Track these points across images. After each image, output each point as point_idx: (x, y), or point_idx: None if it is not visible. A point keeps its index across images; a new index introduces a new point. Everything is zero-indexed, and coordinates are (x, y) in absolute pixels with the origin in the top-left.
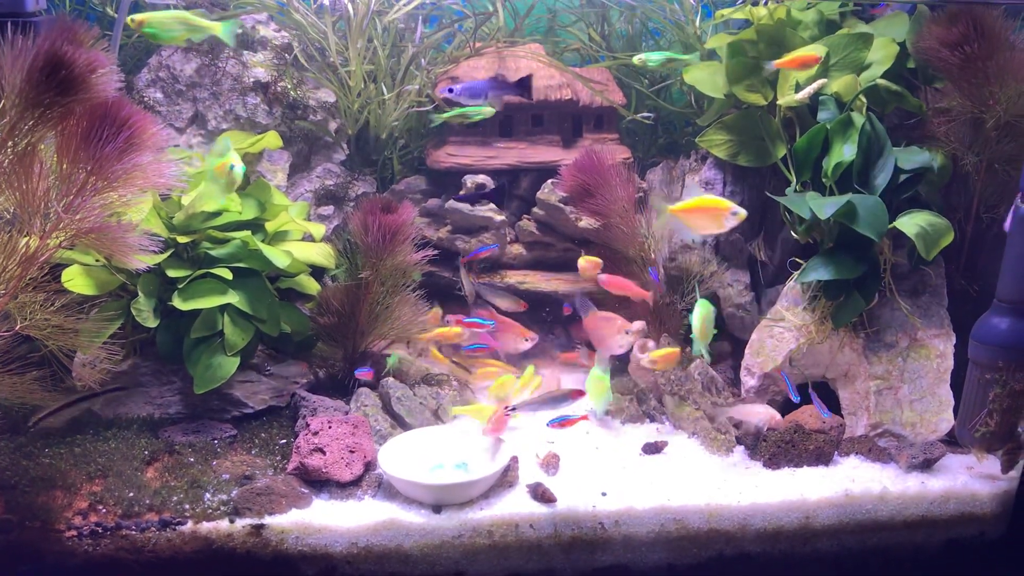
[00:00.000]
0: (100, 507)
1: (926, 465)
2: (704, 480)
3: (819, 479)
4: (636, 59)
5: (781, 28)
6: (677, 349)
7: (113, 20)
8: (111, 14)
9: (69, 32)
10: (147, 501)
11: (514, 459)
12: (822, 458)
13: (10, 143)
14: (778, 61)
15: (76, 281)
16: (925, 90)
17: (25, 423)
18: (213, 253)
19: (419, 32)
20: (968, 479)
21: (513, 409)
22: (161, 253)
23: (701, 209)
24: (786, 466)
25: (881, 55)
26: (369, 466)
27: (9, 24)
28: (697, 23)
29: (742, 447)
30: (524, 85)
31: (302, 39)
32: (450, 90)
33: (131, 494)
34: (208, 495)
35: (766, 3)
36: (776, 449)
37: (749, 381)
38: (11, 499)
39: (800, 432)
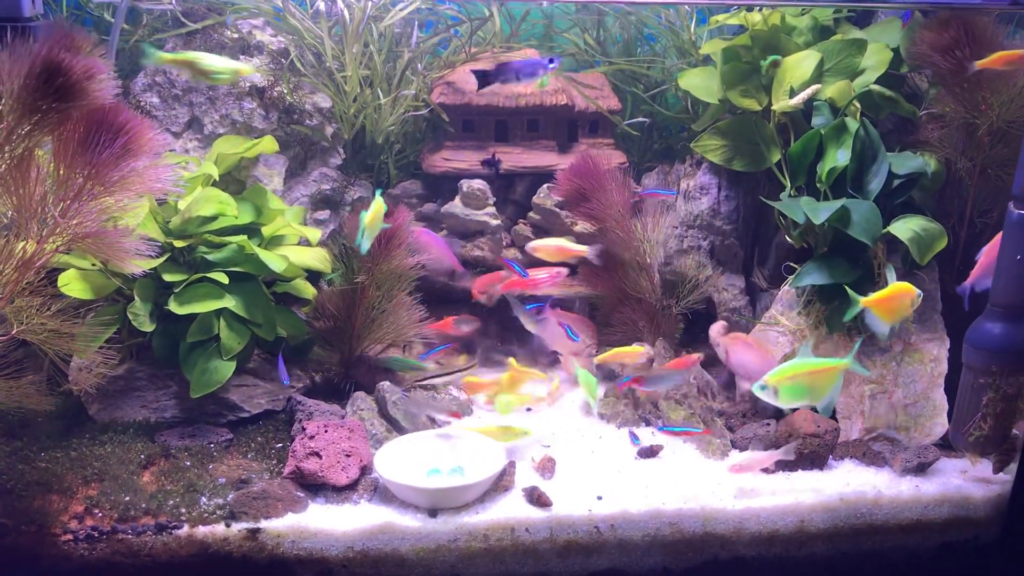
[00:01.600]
0: (96, 511)
1: (920, 469)
2: (699, 484)
3: (814, 483)
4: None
5: (775, 34)
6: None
7: (110, 25)
8: (108, 19)
9: (67, 38)
10: (143, 505)
11: (511, 464)
12: (816, 462)
13: (7, 148)
14: (981, 61)
15: (72, 285)
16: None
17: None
18: (209, 257)
19: (415, 37)
20: (962, 483)
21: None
22: (157, 257)
23: (893, 297)
24: (780, 470)
25: (875, 61)
26: (365, 470)
27: (7, 29)
28: (692, 29)
29: (737, 451)
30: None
31: (298, 44)
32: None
33: (127, 498)
34: (204, 499)
35: (760, 9)
36: None
37: (744, 385)
38: (7, 503)
39: (795, 436)
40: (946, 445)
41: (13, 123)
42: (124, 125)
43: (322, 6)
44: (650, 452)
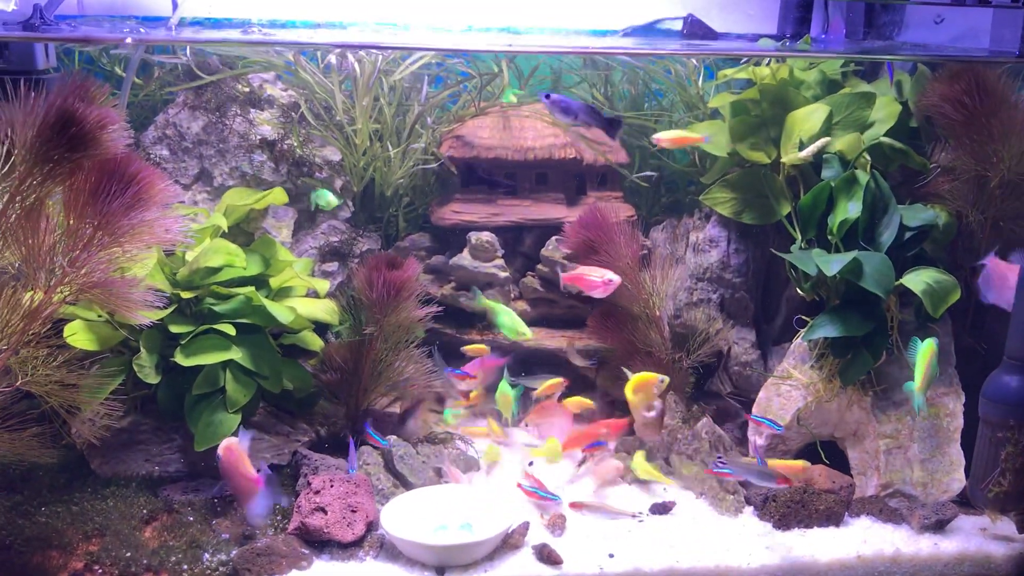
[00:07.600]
0: (96, 567)
1: (939, 526)
2: (713, 541)
3: (830, 540)
4: None
5: (784, 88)
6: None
7: (121, 79)
8: (119, 73)
9: (81, 88)
10: (144, 561)
11: (525, 524)
12: (832, 519)
13: (18, 198)
14: None
15: (78, 336)
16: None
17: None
18: (216, 309)
19: (424, 91)
20: (982, 541)
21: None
22: (164, 308)
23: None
24: (796, 527)
25: (884, 114)
26: (371, 526)
27: (21, 81)
28: (699, 83)
29: (751, 507)
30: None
31: (309, 98)
32: (547, 96)
33: (128, 554)
34: (207, 555)
35: (768, 63)
36: (786, 510)
37: (757, 440)
38: (5, 559)
39: (810, 492)
40: (964, 501)
41: (25, 173)
42: (135, 175)
43: (333, 60)
44: (663, 508)
